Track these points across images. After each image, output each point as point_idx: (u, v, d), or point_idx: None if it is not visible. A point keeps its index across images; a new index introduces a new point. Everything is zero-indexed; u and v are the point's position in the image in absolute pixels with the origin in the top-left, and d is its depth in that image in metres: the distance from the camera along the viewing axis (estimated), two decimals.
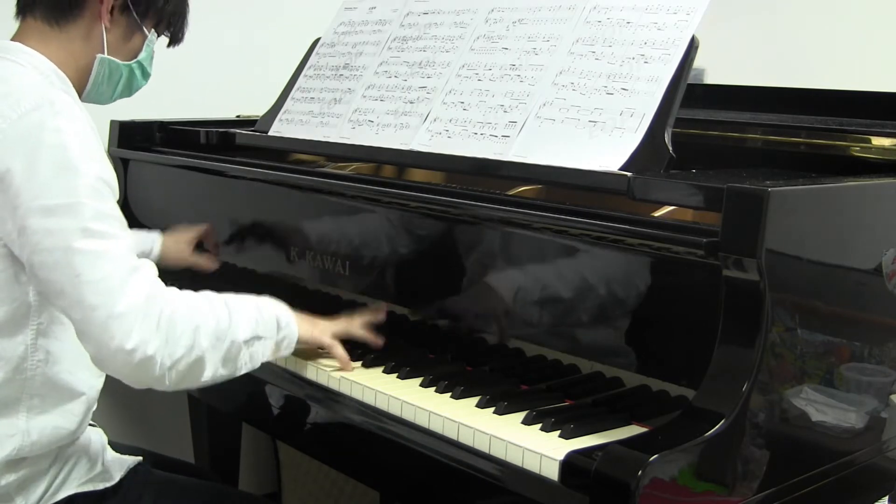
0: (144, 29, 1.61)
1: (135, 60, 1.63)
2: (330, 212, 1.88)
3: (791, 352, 1.30)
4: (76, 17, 1.54)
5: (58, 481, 1.55)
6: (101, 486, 1.59)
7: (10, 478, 1.49)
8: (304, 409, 1.62)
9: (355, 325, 1.66)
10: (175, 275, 2.02)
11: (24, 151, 1.38)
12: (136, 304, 1.36)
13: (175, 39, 1.70)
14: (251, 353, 1.49)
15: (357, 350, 1.65)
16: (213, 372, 1.44)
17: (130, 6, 1.57)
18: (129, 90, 1.67)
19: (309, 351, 1.65)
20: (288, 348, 1.57)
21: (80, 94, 1.59)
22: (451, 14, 1.90)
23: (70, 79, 1.55)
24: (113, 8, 1.56)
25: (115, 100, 1.68)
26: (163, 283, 1.43)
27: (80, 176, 1.39)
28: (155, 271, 1.43)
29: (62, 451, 1.56)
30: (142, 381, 1.40)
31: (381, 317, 1.68)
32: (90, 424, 1.65)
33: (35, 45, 1.53)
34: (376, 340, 1.65)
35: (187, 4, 1.69)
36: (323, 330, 1.62)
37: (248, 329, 1.48)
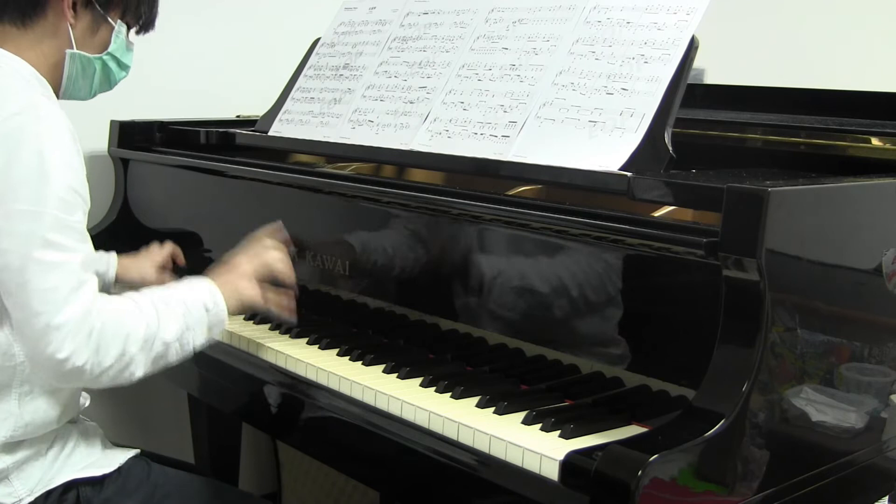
0: (110, 20, 1.63)
1: (106, 52, 1.65)
2: (330, 212, 1.88)
3: (791, 352, 1.30)
4: (40, 17, 1.57)
5: (57, 465, 1.57)
6: (100, 472, 1.61)
7: (8, 461, 1.52)
8: (303, 408, 1.62)
9: (269, 255, 1.72)
10: (180, 276, 2.03)
11: (2, 153, 1.41)
12: (74, 318, 1.41)
13: (145, 26, 1.71)
14: (182, 344, 1.54)
15: (357, 350, 1.65)
16: (144, 370, 1.50)
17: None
18: (109, 84, 1.70)
19: (308, 351, 1.65)
20: (219, 327, 1.62)
21: (57, 93, 1.61)
22: (451, 14, 1.90)
23: (45, 78, 1.58)
24: (75, 3, 1.58)
25: (95, 94, 1.70)
26: (100, 297, 1.47)
27: (52, 185, 1.42)
28: (96, 284, 1.47)
29: (59, 436, 1.59)
30: (70, 385, 1.51)
31: (282, 234, 1.77)
32: (84, 419, 1.67)
33: (9, 49, 1.56)
34: (290, 277, 1.72)
35: None
36: (245, 288, 1.65)
37: (176, 327, 1.53)
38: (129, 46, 1.69)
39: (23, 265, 1.40)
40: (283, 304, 1.71)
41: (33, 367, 1.49)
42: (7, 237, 1.40)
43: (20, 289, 1.41)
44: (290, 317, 1.73)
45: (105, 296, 1.48)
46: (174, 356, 1.54)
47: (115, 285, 1.98)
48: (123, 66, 1.69)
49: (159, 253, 2.03)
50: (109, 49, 1.65)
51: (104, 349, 1.43)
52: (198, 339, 1.57)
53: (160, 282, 1.97)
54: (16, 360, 1.51)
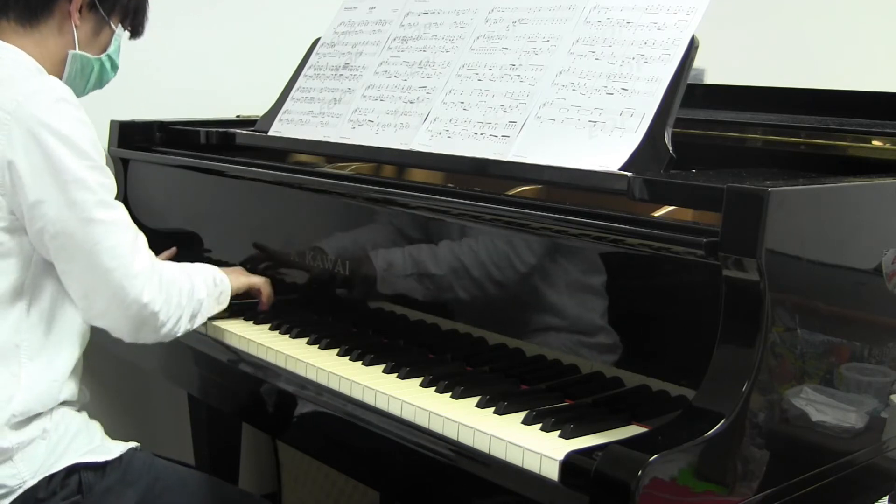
0: (111, 24, 1.71)
1: (105, 54, 1.73)
2: (330, 212, 1.88)
3: (791, 352, 1.30)
4: (47, 17, 1.64)
5: (60, 448, 1.60)
6: (102, 457, 1.63)
7: (13, 439, 1.56)
8: (303, 408, 1.62)
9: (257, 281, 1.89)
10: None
11: (34, 134, 1.50)
12: (145, 266, 1.56)
13: (136, 32, 1.79)
14: (204, 309, 1.71)
15: (357, 350, 1.65)
16: (185, 327, 1.66)
17: (98, 4, 1.67)
18: (100, 83, 1.78)
19: (308, 351, 1.66)
20: (225, 300, 1.80)
21: None
22: (451, 14, 1.90)
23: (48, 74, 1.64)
24: (81, 6, 1.66)
25: (86, 93, 1.77)
26: None
27: (88, 154, 1.54)
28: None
29: (63, 420, 1.62)
30: (142, 332, 1.60)
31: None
32: (81, 411, 1.70)
33: (13, 44, 1.62)
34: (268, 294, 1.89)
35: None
36: (240, 274, 1.87)
37: (203, 287, 1.70)
38: (119, 48, 1.77)
39: (89, 229, 1.52)
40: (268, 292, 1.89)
41: (111, 320, 1.59)
42: (67, 208, 1.51)
43: (90, 252, 1.52)
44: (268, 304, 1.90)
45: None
46: (200, 318, 1.70)
47: None
48: (115, 67, 1.78)
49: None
50: (108, 51, 1.74)
51: (170, 296, 1.60)
52: (211, 307, 1.74)
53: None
54: (23, 335, 1.57)
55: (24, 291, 1.58)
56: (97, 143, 1.57)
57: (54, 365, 1.61)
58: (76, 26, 1.66)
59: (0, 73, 1.57)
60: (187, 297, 1.64)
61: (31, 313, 1.59)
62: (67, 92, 1.57)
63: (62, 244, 1.53)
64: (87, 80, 1.74)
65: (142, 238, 1.60)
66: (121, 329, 1.60)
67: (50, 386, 1.60)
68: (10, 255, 1.55)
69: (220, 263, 2.09)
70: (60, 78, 1.67)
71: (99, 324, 1.62)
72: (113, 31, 1.72)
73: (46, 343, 1.60)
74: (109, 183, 1.57)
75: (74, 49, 1.67)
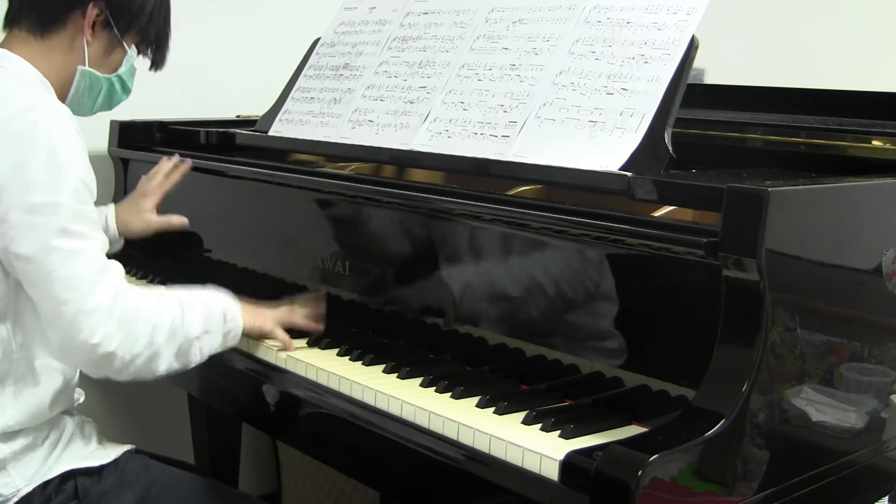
0: (125, 44, 1.67)
1: (115, 74, 1.69)
2: (330, 212, 1.88)
3: (791, 352, 1.30)
4: (59, 30, 1.61)
5: (54, 454, 1.59)
6: (97, 462, 1.62)
7: (6, 450, 1.54)
8: (303, 408, 1.62)
9: (297, 314, 1.73)
10: (173, 271, 2.03)
11: (16, 149, 1.46)
12: (103, 303, 1.46)
13: (156, 63, 1.75)
14: (201, 346, 1.59)
15: (357, 350, 1.65)
16: (167, 365, 1.54)
17: (112, 22, 1.64)
18: (110, 103, 1.74)
19: (308, 351, 1.66)
20: (234, 339, 1.66)
21: None
22: (451, 14, 1.90)
23: (53, 87, 1.61)
24: (95, 23, 1.62)
25: (94, 112, 1.74)
26: (126, 283, 1.53)
27: (66, 177, 1.47)
28: (122, 271, 1.53)
29: (56, 426, 1.61)
30: (101, 372, 1.50)
31: (321, 307, 1.75)
32: (81, 415, 1.69)
33: (20, 54, 1.60)
34: (317, 327, 1.72)
35: (169, 30, 1.75)
36: (265, 319, 1.70)
37: (199, 325, 1.58)
38: (134, 71, 1.73)
39: (44, 256, 1.45)
40: (287, 341, 1.69)
41: (66, 357, 1.53)
42: (28, 231, 1.45)
43: (44, 279, 1.45)
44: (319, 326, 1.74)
45: (131, 285, 1.53)
46: (194, 358, 1.58)
47: (119, 239, 1.99)
48: (126, 90, 1.74)
49: (151, 188, 2.01)
50: (119, 71, 1.70)
51: (134, 335, 1.48)
52: (214, 344, 1.61)
53: (166, 223, 2.00)
54: (13, 357, 1.55)
55: (7, 313, 1.54)
56: (86, 166, 1.52)
57: (45, 387, 1.58)
58: (88, 42, 1.62)
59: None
60: (166, 335, 1.52)
61: (16, 335, 1.55)
62: (62, 109, 1.53)
63: (22, 268, 1.47)
64: (95, 99, 1.70)
65: (112, 273, 1.50)
66: (83, 368, 1.53)
67: (41, 403, 1.57)
68: None
69: (219, 263, 2.10)
70: (66, 93, 1.64)
71: (62, 361, 1.56)
72: (125, 52, 1.68)
73: (34, 368, 1.57)
74: (86, 211, 1.50)
75: (84, 65, 1.63)
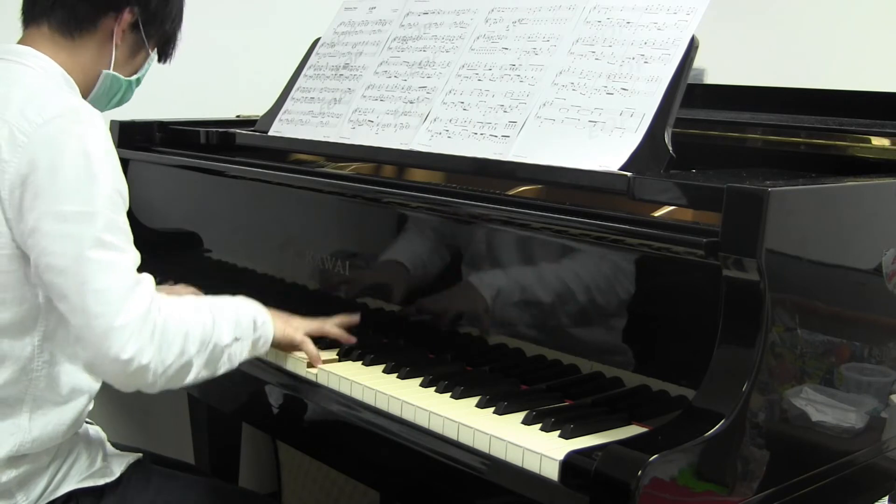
0: (149, 48, 1.66)
1: (135, 76, 1.68)
2: (330, 212, 1.88)
3: (791, 352, 1.30)
4: (91, 32, 1.57)
5: (58, 477, 1.57)
6: (101, 481, 1.61)
7: (11, 474, 1.51)
8: (303, 408, 1.62)
9: (329, 323, 1.71)
10: (173, 272, 2.03)
11: (48, 156, 1.41)
12: (135, 317, 1.40)
13: (164, 56, 1.73)
14: (230, 354, 1.55)
15: (357, 350, 1.65)
16: (196, 374, 1.50)
17: (141, 27, 1.61)
18: (120, 102, 1.72)
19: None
20: (264, 346, 1.62)
21: None
22: (451, 14, 1.90)
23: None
24: (126, 27, 1.60)
25: (105, 111, 1.69)
26: (159, 295, 1.47)
27: (100, 185, 1.42)
28: (153, 283, 1.47)
29: (62, 448, 1.58)
30: (133, 386, 1.45)
31: (355, 320, 1.73)
32: (87, 422, 1.67)
33: (45, 52, 1.55)
34: (349, 338, 1.69)
35: (181, 27, 1.73)
36: (297, 328, 1.66)
37: (229, 333, 1.54)
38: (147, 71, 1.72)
39: (78, 268, 1.39)
40: (314, 355, 1.66)
41: (97, 371, 1.49)
42: (60, 240, 1.40)
43: (77, 292, 1.39)
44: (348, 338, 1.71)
45: (162, 295, 1.48)
46: (223, 365, 1.54)
47: None
48: (134, 90, 1.72)
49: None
50: (139, 74, 1.68)
51: (166, 347, 1.43)
52: (244, 351, 1.58)
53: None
54: (32, 375, 1.50)
55: (33, 328, 1.49)
56: (119, 175, 1.46)
57: (67, 408, 1.54)
58: (116, 46, 1.59)
59: (30, 84, 1.49)
60: (198, 345, 1.48)
61: (43, 352, 1.51)
62: (96, 114, 1.48)
63: (53, 280, 1.41)
64: (111, 99, 1.67)
65: (144, 286, 1.44)
66: (114, 383, 1.46)
67: (59, 426, 1.54)
68: (13, 288, 1.46)
69: (219, 264, 2.10)
70: (87, 93, 1.61)
71: (94, 374, 1.54)
72: (148, 55, 1.67)
73: (57, 387, 1.53)
74: (120, 221, 1.44)
75: (109, 69, 1.60)
